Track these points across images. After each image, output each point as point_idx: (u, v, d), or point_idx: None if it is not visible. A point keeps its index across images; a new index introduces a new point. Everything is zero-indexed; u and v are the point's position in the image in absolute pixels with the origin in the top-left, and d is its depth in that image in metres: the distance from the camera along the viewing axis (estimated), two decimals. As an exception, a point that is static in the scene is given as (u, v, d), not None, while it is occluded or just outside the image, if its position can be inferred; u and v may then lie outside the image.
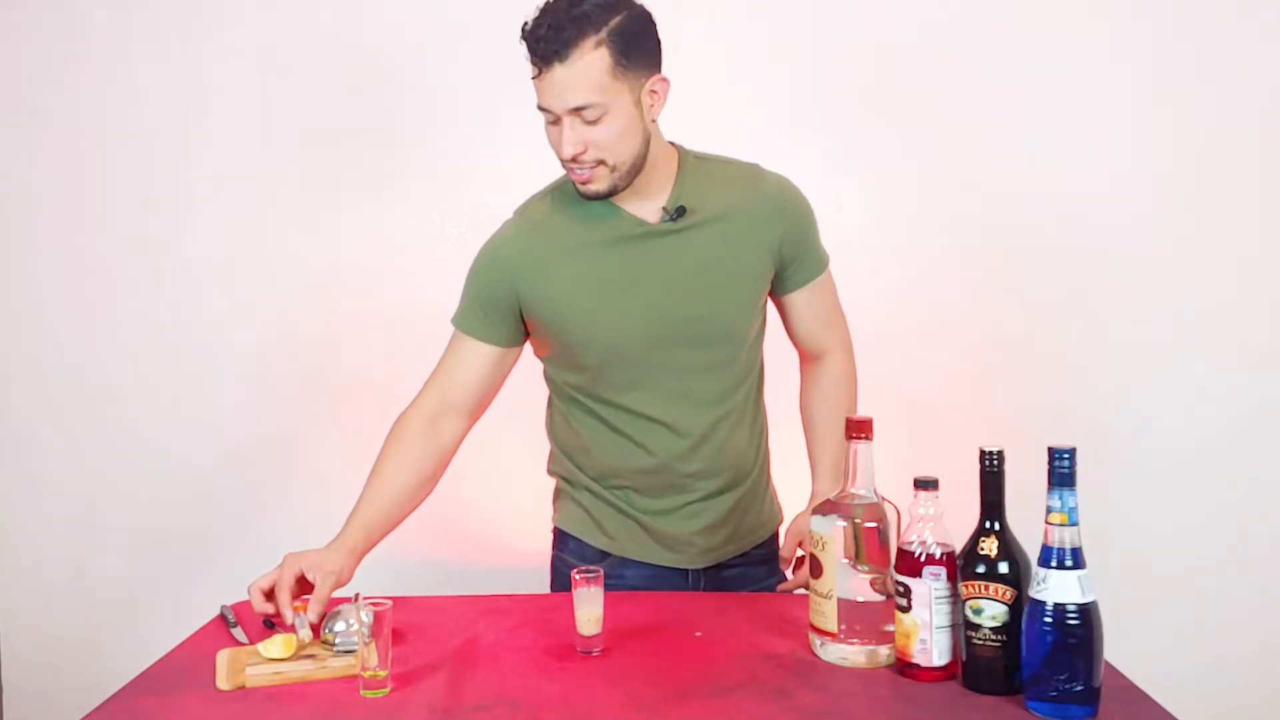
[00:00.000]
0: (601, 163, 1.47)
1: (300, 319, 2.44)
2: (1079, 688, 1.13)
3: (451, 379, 1.62)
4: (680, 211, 1.55)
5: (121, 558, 2.48)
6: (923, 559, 1.24)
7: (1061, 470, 1.15)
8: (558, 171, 1.59)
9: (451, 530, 2.42)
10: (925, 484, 1.26)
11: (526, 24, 1.44)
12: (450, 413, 1.63)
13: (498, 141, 2.38)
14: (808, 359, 1.73)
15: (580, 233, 1.57)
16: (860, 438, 1.32)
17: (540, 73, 1.43)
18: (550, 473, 1.77)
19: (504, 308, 1.59)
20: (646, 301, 1.55)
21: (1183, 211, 2.32)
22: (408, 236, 2.42)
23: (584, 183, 1.50)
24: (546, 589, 1.75)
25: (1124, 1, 2.31)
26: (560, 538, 1.74)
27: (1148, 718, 1.17)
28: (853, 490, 1.32)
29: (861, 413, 1.43)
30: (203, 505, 2.45)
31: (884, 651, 1.30)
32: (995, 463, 1.22)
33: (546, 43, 1.40)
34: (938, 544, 1.25)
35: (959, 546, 1.24)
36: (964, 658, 1.24)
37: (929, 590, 1.24)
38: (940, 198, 2.36)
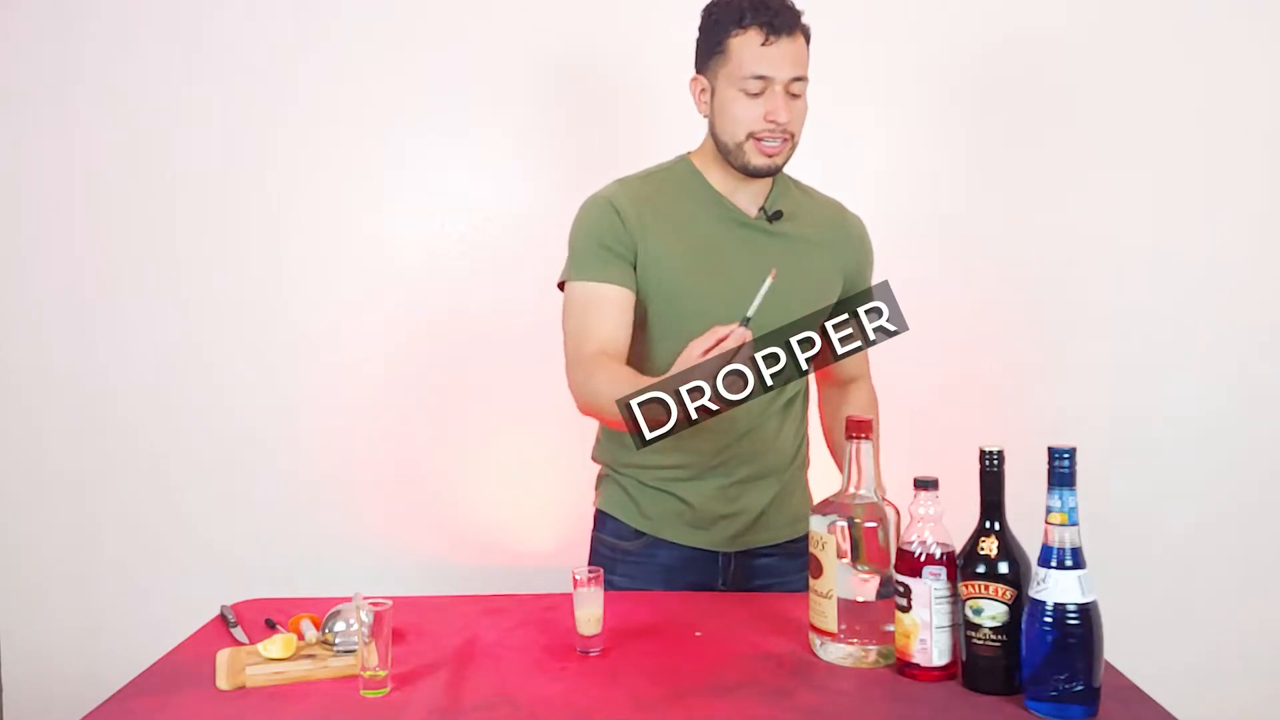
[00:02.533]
0: (792, 135, 1.59)
1: (299, 320, 2.44)
2: (1079, 688, 1.13)
3: (599, 330, 1.59)
4: (778, 215, 1.66)
5: (121, 558, 2.47)
6: (923, 559, 1.24)
7: (1061, 470, 1.15)
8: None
9: (452, 530, 2.42)
10: (925, 484, 1.26)
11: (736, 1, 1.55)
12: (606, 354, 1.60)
13: (499, 144, 2.39)
14: (832, 381, 1.83)
15: (684, 206, 1.65)
16: (860, 437, 1.32)
17: (768, 42, 1.54)
18: (595, 459, 1.81)
19: (623, 251, 1.61)
20: (731, 282, 1.60)
21: (1186, 214, 2.32)
22: (408, 236, 2.43)
23: (773, 154, 1.58)
24: (547, 589, 1.75)
25: (1126, 4, 2.32)
26: (600, 519, 1.78)
27: (1148, 718, 1.17)
28: (853, 490, 1.32)
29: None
30: (202, 505, 2.45)
31: (884, 651, 1.30)
32: (995, 463, 1.22)
33: (785, 15, 1.55)
34: (938, 544, 1.25)
35: (959, 546, 1.25)
36: (964, 658, 1.24)
37: (929, 590, 1.24)
38: (941, 197, 2.36)
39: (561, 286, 1.67)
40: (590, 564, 1.76)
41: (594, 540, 1.79)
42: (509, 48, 2.38)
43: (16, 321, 2.47)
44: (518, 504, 2.40)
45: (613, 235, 1.62)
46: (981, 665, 1.22)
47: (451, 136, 2.40)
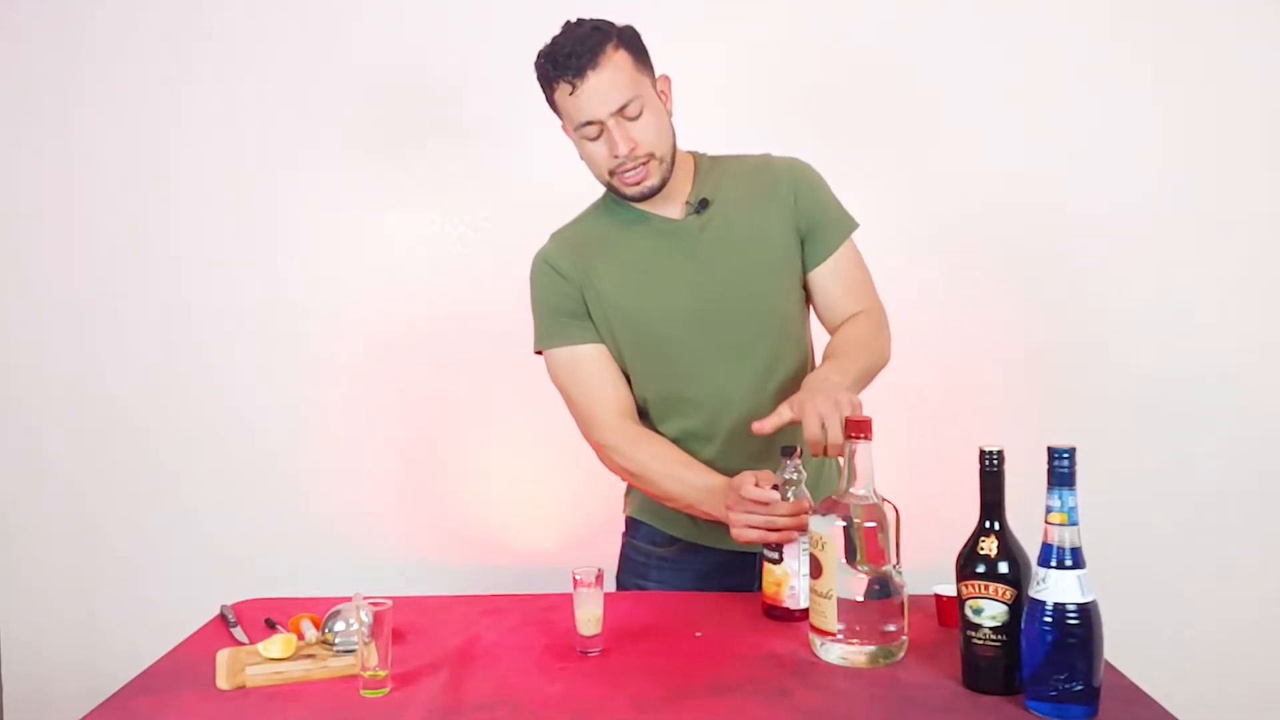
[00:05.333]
0: (651, 155, 1.55)
1: (299, 320, 2.44)
2: (1079, 687, 1.13)
3: (602, 392, 1.64)
4: (704, 204, 1.63)
5: (122, 557, 2.48)
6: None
7: (1061, 470, 1.15)
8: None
9: (452, 530, 2.42)
10: (789, 451, 1.45)
11: (540, 60, 1.53)
12: (629, 417, 1.65)
13: (499, 143, 2.39)
14: (833, 330, 1.69)
15: (616, 238, 1.64)
16: (860, 438, 1.32)
17: (575, 89, 1.51)
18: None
19: (574, 307, 1.64)
20: (686, 285, 1.61)
21: (1185, 212, 2.33)
22: (408, 236, 2.43)
23: (637, 182, 1.56)
24: (547, 589, 1.75)
25: (1126, 4, 2.32)
26: (632, 525, 1.77)
27: (1148, 718, 1.17)
28: (853, 490, 1.32)
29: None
30: (202, 505, 2.46)
31: (884, 651, 1.30)
32: (995, 463, 1.22)
33: (577, 58, 1.49)
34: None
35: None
36: (964, 657, 1.24)
37: (797, 543, 1.43)
38: (940, 197, 2.36)
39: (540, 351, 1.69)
40: (621, 570, 1.76)
41: (625, 546, 1.78)
42: (510, 48, 2.37)
43: (16, 322, 2.47)
44: (518, 504, 2.41)
45: (558, 294, 1.64)
46: (981, 665, 1.21)
47: (452, 135, 2.41)
